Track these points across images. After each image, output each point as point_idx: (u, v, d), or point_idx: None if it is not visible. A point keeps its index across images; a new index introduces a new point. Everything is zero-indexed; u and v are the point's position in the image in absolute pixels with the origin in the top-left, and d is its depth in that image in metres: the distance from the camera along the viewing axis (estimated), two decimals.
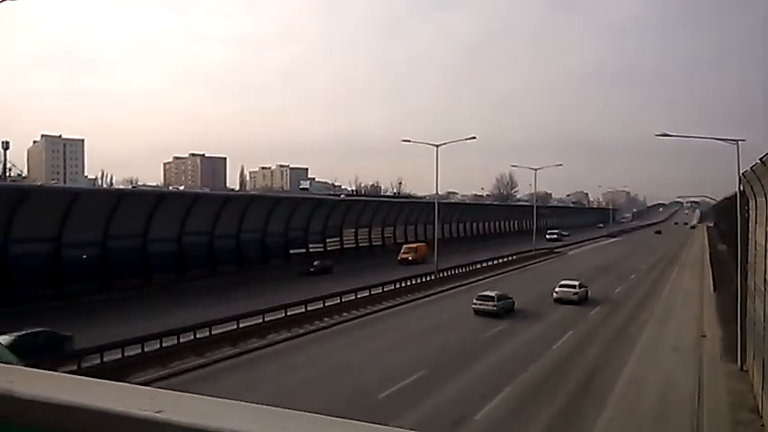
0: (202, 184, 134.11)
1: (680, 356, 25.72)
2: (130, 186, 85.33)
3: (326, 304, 31.76)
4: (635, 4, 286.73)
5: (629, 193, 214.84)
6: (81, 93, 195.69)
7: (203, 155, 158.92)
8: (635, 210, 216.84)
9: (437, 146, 46.44)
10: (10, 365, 1.02)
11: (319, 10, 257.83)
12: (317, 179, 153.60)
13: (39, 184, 56.87)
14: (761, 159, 13.99)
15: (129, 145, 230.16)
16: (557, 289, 37.71)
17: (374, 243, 65.96)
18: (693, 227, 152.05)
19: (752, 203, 20.69)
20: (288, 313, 28.88)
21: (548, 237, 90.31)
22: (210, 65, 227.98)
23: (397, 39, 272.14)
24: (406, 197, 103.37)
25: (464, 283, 45.86)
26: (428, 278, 43.80)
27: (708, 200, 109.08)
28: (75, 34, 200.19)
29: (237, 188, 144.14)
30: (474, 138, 48.49)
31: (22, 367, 1.02)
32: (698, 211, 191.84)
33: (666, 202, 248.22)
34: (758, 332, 18.60)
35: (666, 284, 49.13)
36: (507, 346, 26.29)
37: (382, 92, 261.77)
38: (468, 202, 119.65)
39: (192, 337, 23.87)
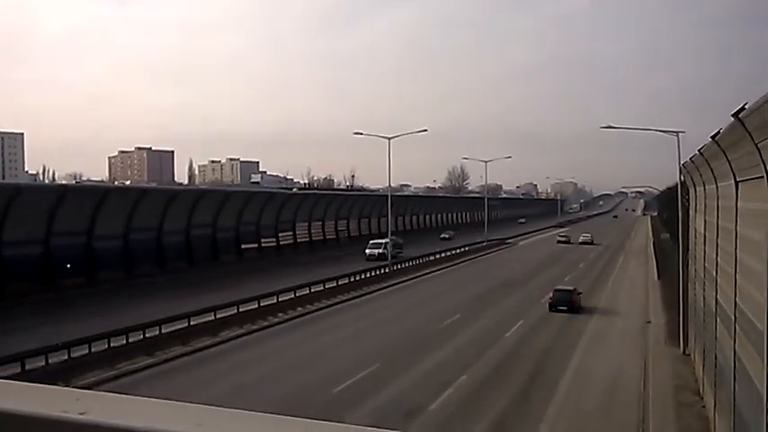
0: (149, 179, 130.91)
1: (627, 341, 26.62)
2: (74, 182, 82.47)
3: (280, 299, 31.51)
4: None
5: (576, 184, 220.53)
6: (17, 84, 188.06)
7: (150, 148, 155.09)
8: (582, 200, 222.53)
9: (389, 138, 46.59)
10: None
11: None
12: (268, 172, 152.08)
13: None
14: (699, 151, 14.54)
15: (72, 139, 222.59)
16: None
17: (328, 237, 65.72)
18: (640, 215, 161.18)
19: (692, 193, 21.49)
20: (240, 309, 28.50)
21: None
22: (154, 54, 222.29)
23: (347, 28, 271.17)
24: (359, 190, 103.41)
25: (420, 274, 46.34)
26: (383, 270, 43.97)
27: (652, 190, 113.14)
28: (8, 22, 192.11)
29: (186, 182, 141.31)
30: (425, 130, 48.93)
31: None
32: (642, 201, 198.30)
33: (612, 193, 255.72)
34: (699, 317, 19.36)
35: (613, 273, 50.75)
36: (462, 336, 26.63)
37: (334, 83, 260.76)
38: (420, 194, 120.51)
39: (142, 337, 23.27)
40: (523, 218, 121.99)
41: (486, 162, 73.76)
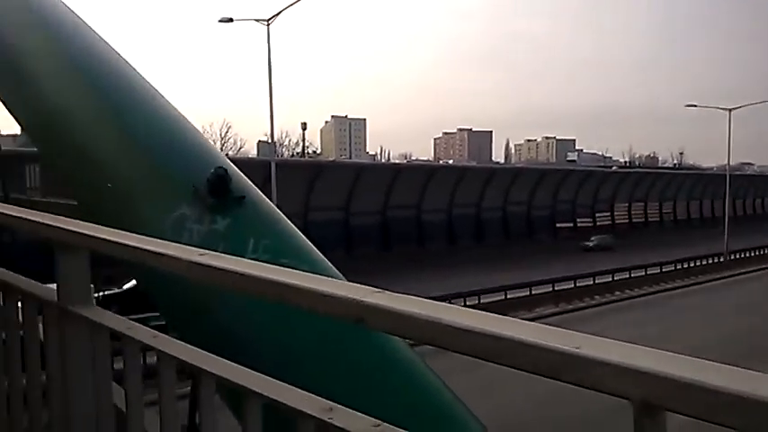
0: (469, 158, 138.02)
1: None
2: (405, 161, 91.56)
3: (596, 281, 30.51)
4: None
5: None
6: (360, 77, 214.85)
7: (470, 129, 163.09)
8: None
9: (730, 110, 40.94)
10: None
11: None
12: (584, 150, 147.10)
13: (331, 159, 64.24)
14: None
15: (403, 122, 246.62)
16: None
17: (650, 219, 60.99)
18: None
19: None
20: (555, 288, 28.45)
21: None
22: (470, 40, 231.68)
23: None
24: (688, 168, 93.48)
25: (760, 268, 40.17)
26: (716, 260, 39.25)
27: None
28: (355, 25, 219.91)
29: (502, 161, 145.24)
30: None
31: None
32: None
33: None
34: None
35: None
36: None
37: (655, 55, 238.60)
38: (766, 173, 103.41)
39: (463, 304, 24.94)
40: None
41: None
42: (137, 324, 1.72)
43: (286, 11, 26.81)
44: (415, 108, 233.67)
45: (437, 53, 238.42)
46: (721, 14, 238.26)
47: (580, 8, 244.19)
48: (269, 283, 1.21)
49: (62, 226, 1.84)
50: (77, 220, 1.94)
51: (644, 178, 61.68)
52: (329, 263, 4.74)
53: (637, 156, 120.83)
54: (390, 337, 3.93)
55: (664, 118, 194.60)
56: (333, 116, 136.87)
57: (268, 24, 26.69)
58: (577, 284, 29.47)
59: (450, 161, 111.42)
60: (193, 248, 1.50)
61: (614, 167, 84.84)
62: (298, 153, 73.41)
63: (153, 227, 4.18)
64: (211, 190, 4.37)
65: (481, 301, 25.36)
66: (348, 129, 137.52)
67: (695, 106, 44.18)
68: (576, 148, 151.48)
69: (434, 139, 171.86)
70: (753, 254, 42.51)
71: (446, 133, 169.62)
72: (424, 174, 42.60)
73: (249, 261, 1.38)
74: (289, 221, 4.94)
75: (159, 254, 1.49)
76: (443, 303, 1.09)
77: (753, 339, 22.17)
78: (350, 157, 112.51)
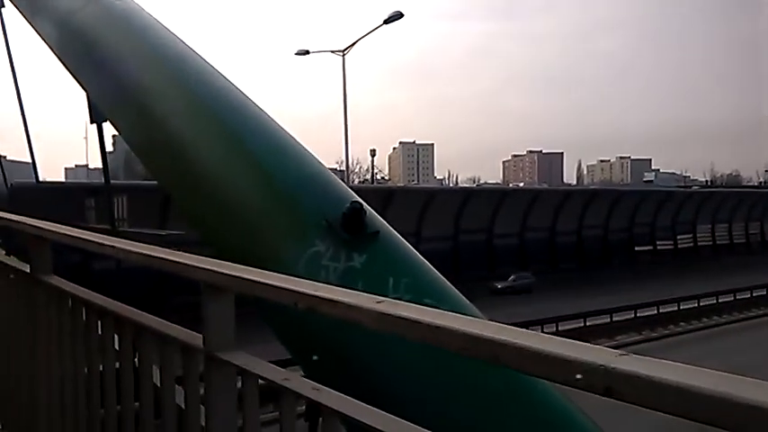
0: (540, 180, 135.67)
1: None
2: (474, 185, 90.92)
3: (681, 307, 29.04)
4: None
5: None
6: (426, 102, 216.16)
7: (540, 151, 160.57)
8: None
9: None
10: None
11: None
12: (662, 170, 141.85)
13: (401, 185, 64.53)
14: None
15: (470, 146, 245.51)
16: None
17: (736, 241, 57.79)
18: None
19: None
20: (637, 314, 27.25)
21: None
22: (540, 62, 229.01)
23: (753, 6, 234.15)
24: None
25: None
26: None
27: None
28: (420, 51, 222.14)
29: (575, 183, 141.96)
30: None
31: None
32: None
33: None
34: None
35: None
36: None
37: (736, 69, 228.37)
38: None
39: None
40: None
41: None
42: (293, 374, 1.71)
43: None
44: (483, 132, 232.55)
45: (504, 75, 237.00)
46: None
47: (657, 23, 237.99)
48: (478, 341, 1.08)
49: (211, 268, 1.82)
50: (224, 261, 1.92)
51: (728, 198, 58.64)
52: (468, 301, 4.46)
53: (719, 175, 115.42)
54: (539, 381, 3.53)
55: (747, 134, 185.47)
56: (401, 142, 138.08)
57: (343, 55, 27.22)
58: (660, 310, 28.15)
59: (521, 184, 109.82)
60: (365, 294, 1.40)
61: (695, 187, 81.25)
62: (367, 179, 74.25)
63: (286, 264, 3.97)
64: (346, 225, 4.09)
65: (559, 328, 24.62)
66: (416, 154, 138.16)
67: None
68: (653, 167, 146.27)
69: (503, 162, 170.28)
70: None
71: (515, 156, 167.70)
72: (495, 197, 42.04)
73: (437, 311, 1.26)
74: (422, 257, 4.65)
75: (333, 301, 1.39)
76: (705, 369, 0.90)
77: None
78: (417, 182, 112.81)
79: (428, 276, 4.44)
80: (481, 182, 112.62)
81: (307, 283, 1.56)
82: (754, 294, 32.42)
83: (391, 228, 4.56)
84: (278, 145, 4.76)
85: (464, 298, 4.45)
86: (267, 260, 3.94)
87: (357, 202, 4.22)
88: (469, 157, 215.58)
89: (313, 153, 4.87)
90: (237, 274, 1.73)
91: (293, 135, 4.91)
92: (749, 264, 46.00)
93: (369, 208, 4.33)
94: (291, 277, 1.63)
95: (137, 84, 5.28)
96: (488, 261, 40.08)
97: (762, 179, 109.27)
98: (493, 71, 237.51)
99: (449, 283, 4.49)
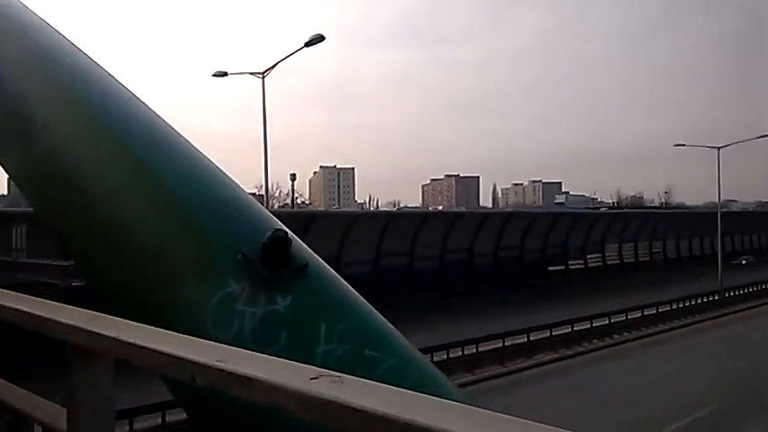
0: (458, 204, 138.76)
1: None
2: (395, 209, 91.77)
3: (594, 324, 30.22)
4: None
5: None
6: (345, 126, 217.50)
7: (457, 175, 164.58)
8: None
9: (719, 148, 41.57)
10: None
11: (557, 23, 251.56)
12: (571, 192, 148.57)
13: (322, 209, 64.21)
14: None
15: (390, 170, 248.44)
16: None
17: (641, 259, 61.06)
18: None
19: None
20: (552, 333, 28.07)
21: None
22: (457, 88, 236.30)
23: (658, 37, 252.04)
24: (674, 207, 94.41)
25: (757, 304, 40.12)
26: (712, 298, 39.17)
27: None
28: (341, 75, 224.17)
29: (490, 206, 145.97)
30: (766, 136, 42.51)
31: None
32: None
33: None
34: None
35: None
36: None
37: (642, 96, 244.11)
38: (753, 210, 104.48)
39: (460, 353, 24.48)
40: None
41: None
42: None
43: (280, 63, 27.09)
44: (403, 156, 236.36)
45: (423, 101, 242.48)
46: (708, 55, 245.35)
47: (565, 53, 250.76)
48: None
49: (78, 324, 1.38)
50: (101, 314, 1.47)
51: (633, 219, 62.04)
52: (415, 348, 3.68)
53: (624, 197, 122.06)
54: None
55: (649, 159, 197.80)
56: (321, 166, 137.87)
57: (263, 77, 26.91)
58: (575, 329, 29.14)
59: (440, 207, 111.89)
60: (295, 364, 1.04)
61: (603, 209, 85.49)
62: (287, 204, 73.38)
63: (190, 311, 3.23)
64: (266, 259, 3.29)
65: (479, 349, 24.98)
66: (337, 178, 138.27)
67: (683, 146, 44.87)
68: (563, 190, 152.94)
69: (422, 186, 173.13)
70: (749, 290, 42.47)
71: (434, 179, 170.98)
72: (416, 220, 42.53)
73: (411, 394, 0.94)
74: (356, 292, 3.77)
75: (245, 378, 1.00)
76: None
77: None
78: (338, 206, 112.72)
79: (369, 321, 3.60)
80: (401, 205, 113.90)
81: (208, 346, 1.19)
82: (659, 310, 34.21)
83: (320, 259, 3.80)
84: (184, 163, 3.90)
85: (416, 350, 3.68)
86: (164, 306, 3.29)
87: (281, 230, 3.47)
88: (390, 182, 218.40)
89: (229, 175, 4.07)
90: (112, 335, 1.29)
91: (205, 154, 4.11)
92: (653, 280, 48.71)
93: (295, 236, 3.59)
94: (189, 338, 1.25)
95: (11, 90, 4.34)
96: (409, 284, 40.31)
97: (662, 200, 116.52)
98: (411, 96, 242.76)
99: (390, 325, 3.67)
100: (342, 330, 3.26)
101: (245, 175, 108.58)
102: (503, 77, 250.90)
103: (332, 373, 0.99)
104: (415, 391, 0.98)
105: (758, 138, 42.56)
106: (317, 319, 3.29)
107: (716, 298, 39.27)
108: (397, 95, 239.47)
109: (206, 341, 1.24)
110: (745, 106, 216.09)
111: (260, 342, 3.01)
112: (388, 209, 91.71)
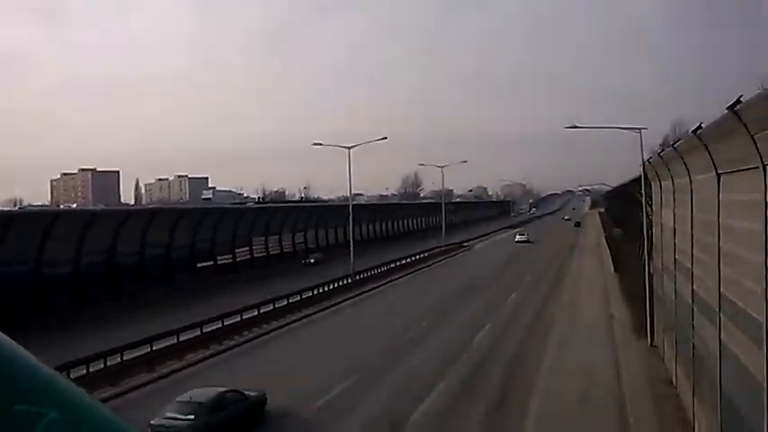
0: (95, 201, 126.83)
1: (595, 335, 27.20)
2: (15, 208, 79.05)
3: (244, 317, 30.75)
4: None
5: (524, 185, 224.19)
6: None
7: (94, 169, 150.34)
8: (531, 201, 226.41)
9: (349, 148, 46.37)
10: None
11: (202, 16, 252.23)
12: (218, 188, 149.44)
13: None
14: (672, 145, 14.82)
15: (10, 164, 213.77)
16: None
17: (286, 250, 64.70)
18: (587, 212, 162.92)
19: (655, 187, 21.93)
20: (204, 330, 27.59)
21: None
22: (91, 74, 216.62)
23: (295, 42, 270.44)
24: (312, 201, 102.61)
25: (385, 282, 46.26)
26: (346, 281, 43.59)
27: (598, 187, 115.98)
28: None
29: (133, 202, 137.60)
30: (385, 138, 48.98)
31: None
32: (588, 199, 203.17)
33: (559, 192, 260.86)
34: (668, 308, 19.70)
35: (570, 266, 52.19)
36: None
37: (286, 97, 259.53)
38: (376, 202, 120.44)
39: (103, 366, 22.21)
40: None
41: (441, 167, 74.58)
42: None
43: None
44: (25, 146, 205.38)
45: (55, 83, 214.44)
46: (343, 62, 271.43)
47: (212, 51, 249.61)
48: None
49: None
50: None
51: (277, 212, 65.26)
52: (85, 392, 2.68)
53: (268, 192, 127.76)
54: None
55: (291, 156, 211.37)
56: None
57: None
58: (225, 323, 29.16)
59: (74, 205, 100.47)
60: None
61: (249, 204, 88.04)
62: None
63: None
64: None
65: (124, 358, 23.01)
66: None
67: (320, 145, 48.84)
68: (210, 185, 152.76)
69: (52, 180, 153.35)
70: (373, 272, 48.51)
71: (65, 174, 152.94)
72: (44, 222, 37.07)
73: None
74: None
75: None
76: None
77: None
78: None
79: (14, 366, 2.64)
80: (24, 204, 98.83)
81: None
82: (302, 297, 36.59)
83: None
84: None
85: (86, 394, 2.85)
86: None
87: None
88: (11, 177, 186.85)
89: None
90: None
91: None
92: (295, 270, 52.12)
93: None
94: None
95: None
96: (37, 294, 35.05)
97: (302, 195, 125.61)
98: (40, 77, 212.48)
99: (50, 369, 2.80)
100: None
101: None
102: (154, 67, 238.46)
103: None
104: None
105: (378, 140, 48.87)
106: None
107: (349, 281, 43.88)
108: (25, 76, 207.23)
109: None
110: (371, 115, 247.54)
111: None
112: (6, 208, 78.66)
